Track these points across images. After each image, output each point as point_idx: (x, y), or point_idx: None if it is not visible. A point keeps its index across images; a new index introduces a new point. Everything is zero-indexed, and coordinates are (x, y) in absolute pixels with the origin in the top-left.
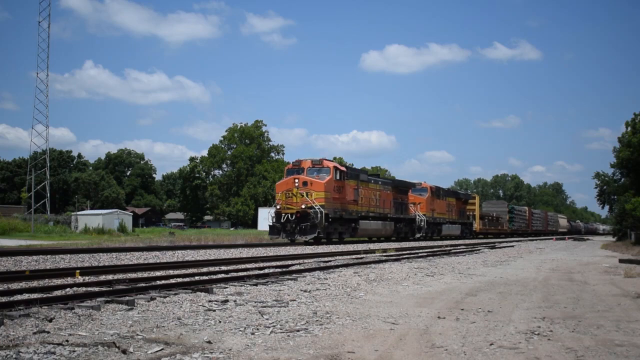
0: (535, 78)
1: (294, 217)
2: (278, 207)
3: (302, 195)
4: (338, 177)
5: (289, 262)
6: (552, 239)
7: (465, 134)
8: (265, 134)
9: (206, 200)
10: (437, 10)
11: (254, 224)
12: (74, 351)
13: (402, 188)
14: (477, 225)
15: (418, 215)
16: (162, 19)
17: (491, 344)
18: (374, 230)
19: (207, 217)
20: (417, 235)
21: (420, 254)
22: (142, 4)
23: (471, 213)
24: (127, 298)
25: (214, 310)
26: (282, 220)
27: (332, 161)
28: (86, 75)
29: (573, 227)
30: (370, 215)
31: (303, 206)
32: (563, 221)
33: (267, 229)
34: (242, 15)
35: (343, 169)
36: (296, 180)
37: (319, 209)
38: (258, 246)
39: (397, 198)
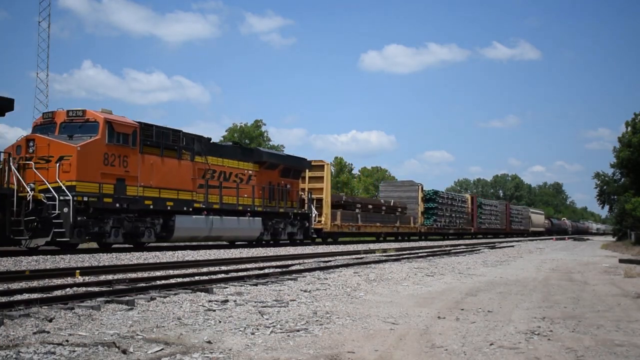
0: (535, 78)
1: None
2: None
3: None
4: None
5: (289, 262)
6: (551, 238)
7: (465, 134)
8: (265, 134)
9: None
10: (436, 10)
11: None
12: (74, 351)
13: None
14: (326, 220)
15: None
16: (160, 18)
17: (491, 344)
18: None
19: None
20: (31, 244)
21: (420, 254)
22: (140, 4)
23: (314, 196)
24: (127, 298)
25: (214, 310)
26: None
27: None
28: (85, 75)
29: (555, 225)
30: None
31: None
32: (538, 218)
33: None
34: (241, 15)
35: None
36: None
37: None
38: (258, 246)
39: None
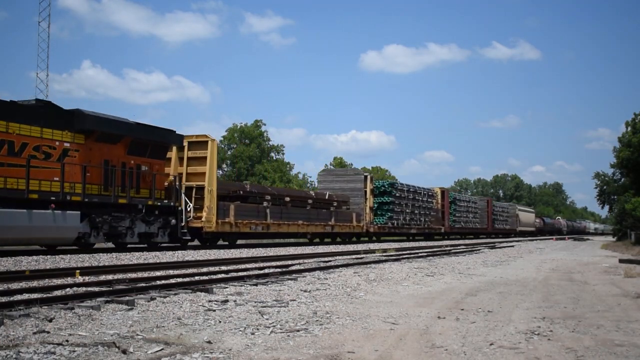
0: (535, 78)
1: None
2: None
3: None
4: None
5: (289, 262)
6: (552, 238)
7: (465, 134)
8: (265, 134)
9: None
10: (436, 10)
11: None
12: (74, 351)
13: None
14: (209, 215)
15: None
16: (160, 18)
17: (491, 344)
18: None
19: None
20: None
21: (420, 254)
22: (139, 3)
23: (192, 183)
24: (127, 298)
25: (214, 310)
26: None
27: None
28: (84, 75)
29: (548, 225)
30: None
31: None
32: (527, 216)
33: None
34: (241, 15)
35: None
36: None
37: None
38: (258, 246)
39: None
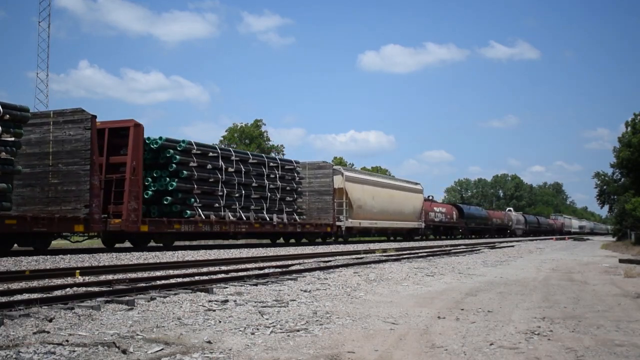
0: (534, 78)
1: None
2: None
3: None
4: None
5: (289, 262)
6: (552, 238)
7: (465, 134)
8: (265, 134)
9: None
10: (434, 9)
11: None
12: (74, 351)
13: None
14: None
15: None
16: (157, 17)
17: (491, 344)
18: None
19: None
20: None
21: (420, 254)
22: (136, 3)
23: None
24: (127, 298)
25: (214, 310)
26: None
27: None
28: (82, 75)
29: (474, 218)
30: None
31: None
32: (391, 198)
33: None
34: (238, 14)
35: None
36: None
37: None
38: (258, 246)
39: None
